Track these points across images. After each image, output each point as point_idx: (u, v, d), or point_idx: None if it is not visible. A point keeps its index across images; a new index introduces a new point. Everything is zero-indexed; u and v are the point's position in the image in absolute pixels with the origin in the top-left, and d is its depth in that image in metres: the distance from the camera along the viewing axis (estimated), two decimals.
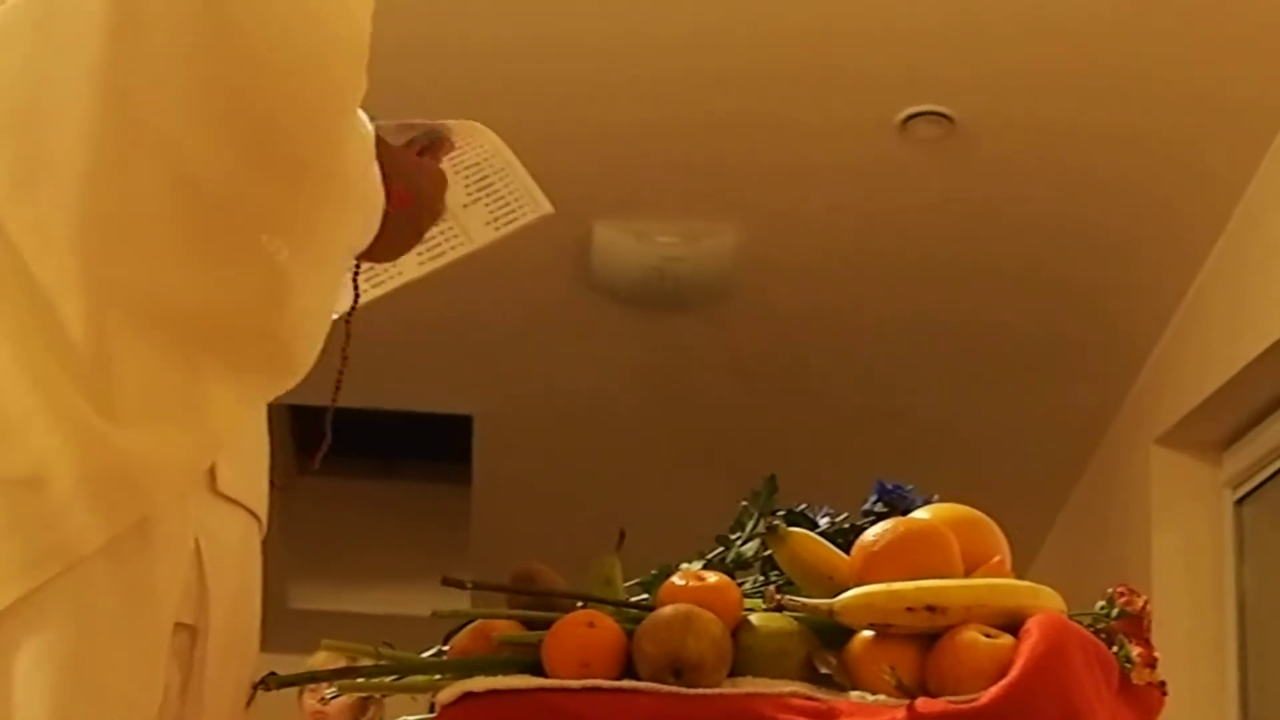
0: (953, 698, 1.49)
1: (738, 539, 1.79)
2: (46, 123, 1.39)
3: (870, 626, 1.57)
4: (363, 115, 1.59)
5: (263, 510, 1.63)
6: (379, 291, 1.80)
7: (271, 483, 1.63)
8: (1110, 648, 1.62)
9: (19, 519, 1.37)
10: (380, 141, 1.63)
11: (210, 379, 1.45)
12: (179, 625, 1.48)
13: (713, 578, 1.65)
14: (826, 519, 1.80)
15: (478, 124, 1.83)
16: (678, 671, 1.53)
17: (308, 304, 1.51)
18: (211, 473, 1.52)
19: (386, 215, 1.65)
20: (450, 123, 1.78)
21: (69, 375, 1.38)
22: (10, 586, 1.37)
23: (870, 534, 1.64)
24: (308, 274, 1.50)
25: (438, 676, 1.63)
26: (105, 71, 1.38)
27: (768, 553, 1.74)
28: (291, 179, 1.46)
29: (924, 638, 1.56)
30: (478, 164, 1.83)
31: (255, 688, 1.62)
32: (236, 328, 1.47)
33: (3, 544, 1.37)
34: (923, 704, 1.49)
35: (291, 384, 1.52)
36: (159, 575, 1.45)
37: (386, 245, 1.67)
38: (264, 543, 1.66)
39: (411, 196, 1.67)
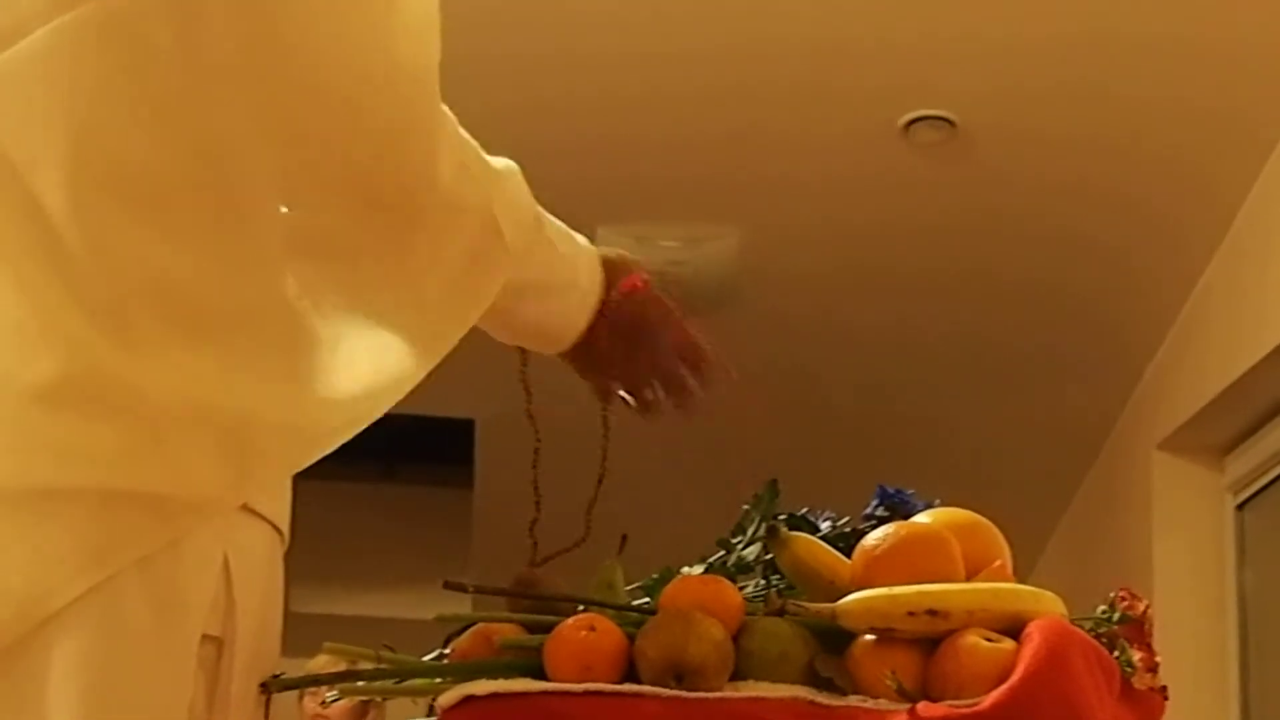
0: (954, 702, 1.49)
1: (739, 543, 1.79)
2: (107, 139, 1.38)
3: (871, 630, 1.57)
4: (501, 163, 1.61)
5: (285, 525, 1.63)
6: None
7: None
8: (1111, 652, 1.62)
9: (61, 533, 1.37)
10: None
11: (248, 424, 1.45)
12: (206, 637, 1.49)
13: (714, 581, 1.65)
14: (828, 523, 1.80)
15: None
16: (679, 675, 1.53)
17: (363, 355, 1.51)
18: None
19: (616, 302, 1.73)
20: None
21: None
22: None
23: (871, 538, 1.64)
24: (368, 318, 1.50)
25: (438, 680, 1.63)
26: (166, 97, 1.38)
27: (769, 556, 1.74)
28: (350, 199, 1.46)
29: (925, 642, 1.56)
30: None
31: (262, 691, 1.62)
32: (270, 369, 1.46)
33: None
34: (924, 708, 1.49)
35: (325, 450, 1.52)
36: (189, 587, 1.45)
37: (609, 346, 1.76)
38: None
39: (637, 283, 1.73)
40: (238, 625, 1.52)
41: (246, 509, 1.53)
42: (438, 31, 1.49)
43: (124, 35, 1.37)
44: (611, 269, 1.75)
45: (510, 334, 1.75)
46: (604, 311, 1.73)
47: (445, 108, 1.53)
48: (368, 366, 1.51)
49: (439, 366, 1.80)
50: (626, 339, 1.76)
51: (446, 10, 1.46)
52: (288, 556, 1.67)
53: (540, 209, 1.66)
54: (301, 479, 1.60)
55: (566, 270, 1.70)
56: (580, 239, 1.73)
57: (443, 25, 1.46)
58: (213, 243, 1.41)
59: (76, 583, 1.37)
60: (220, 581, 1.49)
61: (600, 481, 1.82)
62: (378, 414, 1.52)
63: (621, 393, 1.83)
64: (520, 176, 1.63)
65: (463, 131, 1.56)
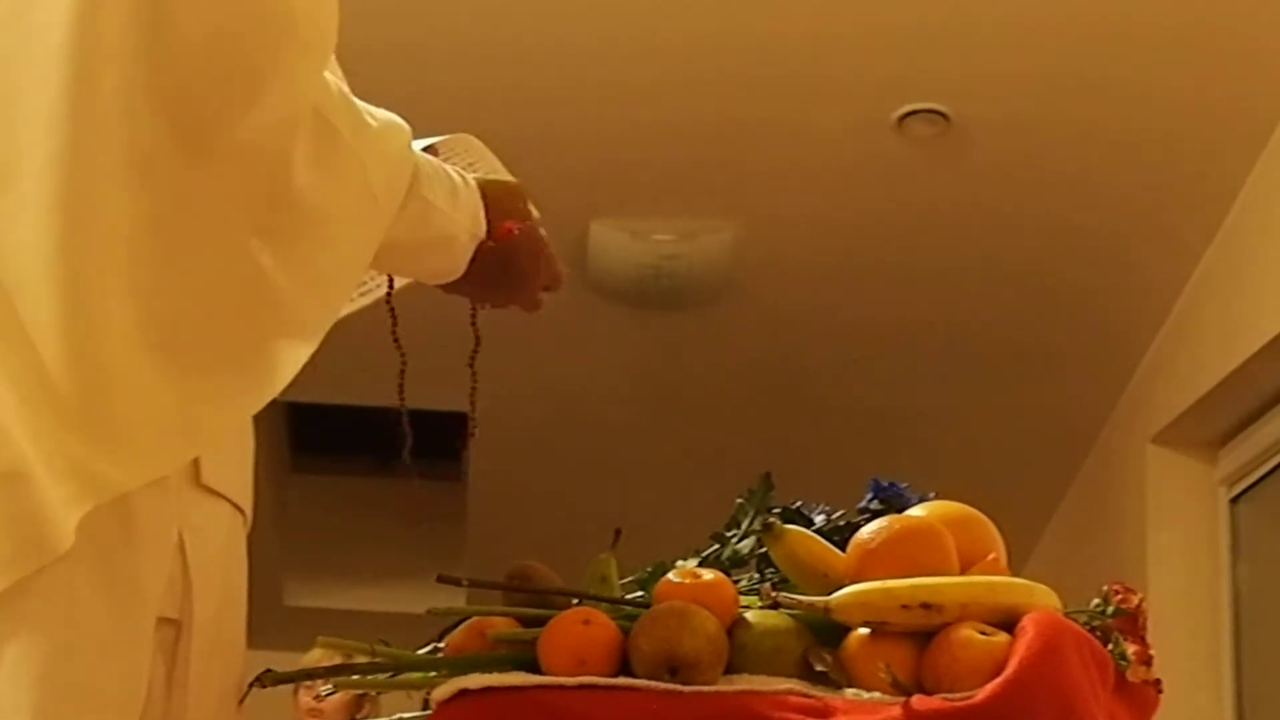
0: (948, 695, 1.49)
1: (733, 536, 1.79)
2: (21, 113, 1.37)
3: (866, 624, 1.57)
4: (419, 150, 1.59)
5: (247, 503, 1.62)
6: (367, 301, 1.80)
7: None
8: (1106, 645, 1.62)
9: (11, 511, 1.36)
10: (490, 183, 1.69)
11: (193, 387, 1.43)
12: (163, 619, 1.48)
13: (708, 575, 1.65)
14: (822, 516, 1.80)
15: (464, 135, 1.83)
16: (673, 669, 1.53)
17: (299, 318, 1.49)
18: (195, 465, 1.52)
19: (489, 249, 1.69)
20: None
21: (37, 376, 1.36)
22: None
23: (866, 531, 1.64)
24: (297, 286, 1.47)
25: (433, 674, 1.63)
26: (70, 58, 1.37)
27: (763, 550, 1.74)
28: (245, 173, 1.43)
29: (919, 635, 1.56)
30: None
31: (251, 685, 1.62)
32: (224, 337, 1.45)
33: None
34: (918, 701, 1.49)
35: (267, 400, 1.49)
36: (142, 569, 1.44)
37: (479, 278, 1.70)
38: (260, 539, 1.66)
39: (512, 230, 1.70)
40: (195, 607, 1.51)
41: (202, 486, 1.52)
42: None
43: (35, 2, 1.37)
44: (492, 209, 1.71)
45: (388, 273, 1.73)
46: (476, 257, 1.70)
47: (329, 74, 1.50)
48: (281, 339, 1.49)
49: (433, 361, 1.80)
50: (494, 282, 1.73)
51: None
52: (283, 550, 1.66)
53: (422, 163, 1.62)
54: (296, 473, 1.60)
55: (446, 225, 1.65)
56: (462, 185, 1.69)
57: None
58: (151, 233, 1.39)
59: (10, 570, 1.36)
60: (175, 562, 1.49)
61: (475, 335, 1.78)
62: (280, 388, 1.49)
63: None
64: (402, 130, 1.59)
65: (344, 95, 1.52)
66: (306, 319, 1.50)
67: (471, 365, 1.79)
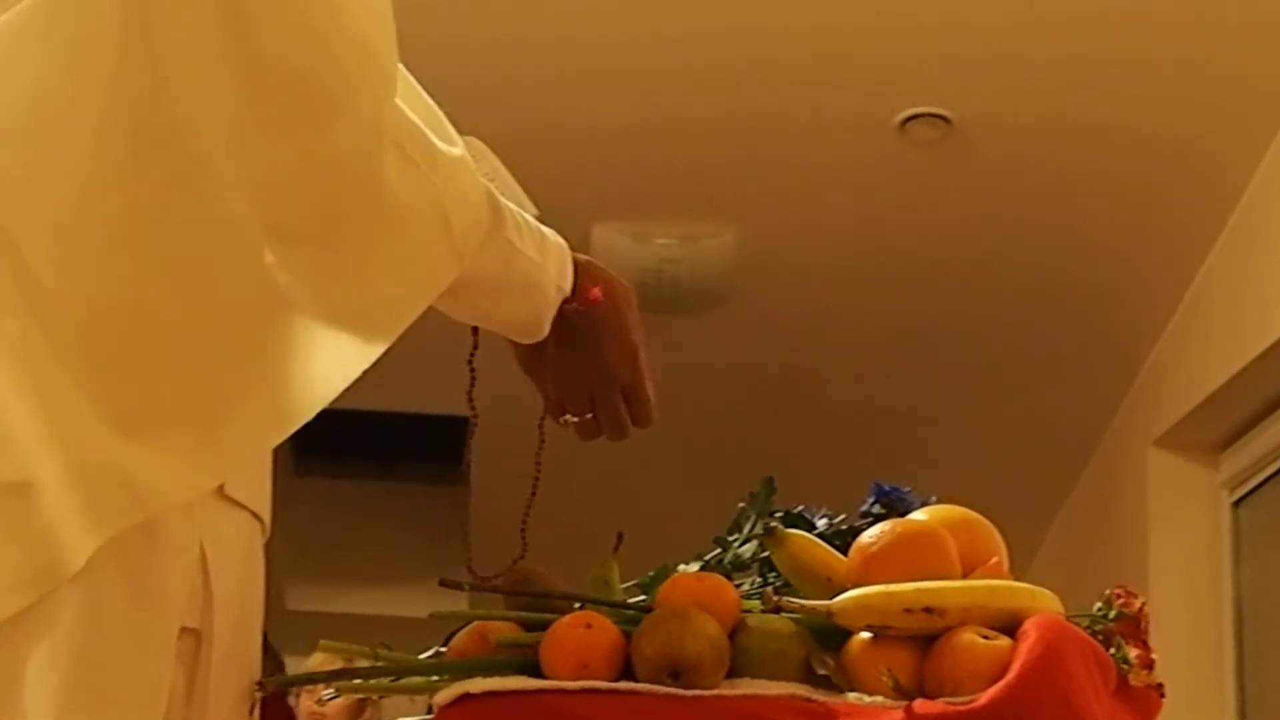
0: (951, 699, 1.49)
1: (735, 540, 1.79)
2: (56, 127, 1.36)
3: (868, 628, 1.57)
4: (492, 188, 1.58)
5: (266, 512, 1.62)
6: None
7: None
8: (1108, 649, 1.62)
9: (17, 527, 1.35)
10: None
11: (226, 405, 1.42)
12: (184, 629, 1.48)
13: (710, 579, 1.65)
14: (824, 520, 1.80)
15: (467, 137, 1.83)
16: (675, 673, 1.53)
17: (320, 340, 1.46)
18: None
19: (572, 311, 1.68)
20: None
21: (74, 384, 1.35)
22: (13, 597, 1.35)
23: (868, 535, 1.64)
24: (319, 307, 1.45)
25: (435, 678, 1.63)
26: (116, 76, 1.36)
27: (765, 554, 1.74)
28: (299, 191, 1.42)
29: (922, 639, 1.56)
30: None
31: (256, 690, 1.62)
32: (257, 360, 1.44)
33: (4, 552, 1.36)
34: (920, 705, 1.49)
35: (290, 430, 1.47)
36: (165, 579, 1.44)
37: (559, 347, 1.70)
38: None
39: (602, 296, 1.68)
40: (215, 617, 1.51)
41: (223, 496, 1.52)
42: (390, 13, 1.46)
43: (69, 16, 1.36)
44: (580, 274, 1.70)
45: (474, 321, 1.71)
46: (558, 320, 1.69)
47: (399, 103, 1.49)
48: (323, 352, 1.47)
49: (435, 365, 1.79)
50: (572, 349, 1.72)
51: None
52: (285, 554, 1.66)
53: (505, 206, 1.61)
54: (298, 476, 1.59)
55: (531, 272, 1.64)
56: (553, 239, 1.67)
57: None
58: (180, 239, 1.38)
59: (23, 592, 1.35)
60: (197, 573, 1.48)
61: (534, 492, 1.80)
62: (324, 404, 1.47)
63: (564, 415, 1.80)
64: (473, 171, 1.57)
65: (413, 120, 1.51)
66: (354, 335, 1.48)
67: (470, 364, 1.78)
